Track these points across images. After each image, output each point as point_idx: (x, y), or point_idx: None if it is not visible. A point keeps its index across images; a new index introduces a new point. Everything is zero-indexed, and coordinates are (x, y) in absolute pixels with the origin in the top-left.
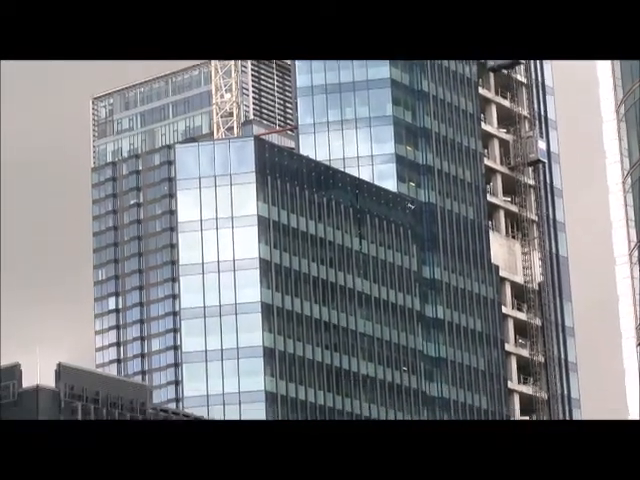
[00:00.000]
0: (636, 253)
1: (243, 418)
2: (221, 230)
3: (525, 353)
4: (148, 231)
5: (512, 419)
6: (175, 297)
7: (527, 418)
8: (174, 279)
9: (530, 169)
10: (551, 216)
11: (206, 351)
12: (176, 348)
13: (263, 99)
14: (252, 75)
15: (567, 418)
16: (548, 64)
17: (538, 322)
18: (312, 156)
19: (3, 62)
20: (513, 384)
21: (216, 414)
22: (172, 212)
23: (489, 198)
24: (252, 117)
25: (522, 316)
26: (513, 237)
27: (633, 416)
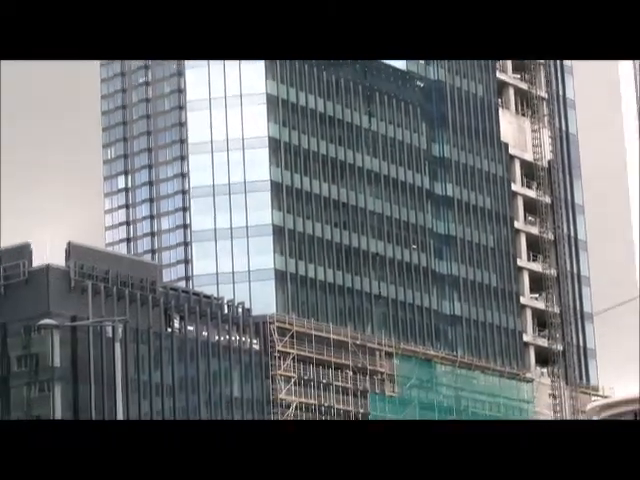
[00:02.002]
0: None
1: (253, 296)
2: (230, 109)
3: (535, 230)
4: (157, 110)
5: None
6: (184, 176)
7: (536, 295)
8: (183, 157)
9: None
10: (561, 93)
11: (215, 230)
12: (186, 227)
13: None
14: None
15: (576, 296)
16: None
17: (547, 200)
18: None
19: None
20: (522, 261)
21: (226, 292)
22: (180, 91)
23: (498, 75)
24: None
25: (531, 194)
26: (523, 114)
27: None
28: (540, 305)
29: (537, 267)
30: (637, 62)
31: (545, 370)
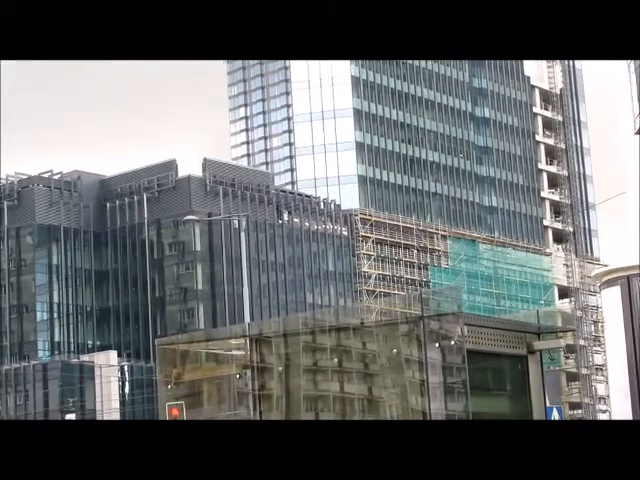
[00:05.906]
0: None
1: (342, 195)
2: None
3: (551, 142)
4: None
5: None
6: (289, 106)
7: (553, 190)
8: (288, 93)
9: None
10: None
11: (313, 146)
12: (291, 144)
13: None
14: None
15: (582, 190)
16: None
17: (560, 118)
18: None
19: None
20: (542, 165)
21: (321, 193)
22: None
23: None
24: None
25: (548, 114)
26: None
27: None
28: (556, 197)
29: (553, 169)
30: None
31: (560, 246)
